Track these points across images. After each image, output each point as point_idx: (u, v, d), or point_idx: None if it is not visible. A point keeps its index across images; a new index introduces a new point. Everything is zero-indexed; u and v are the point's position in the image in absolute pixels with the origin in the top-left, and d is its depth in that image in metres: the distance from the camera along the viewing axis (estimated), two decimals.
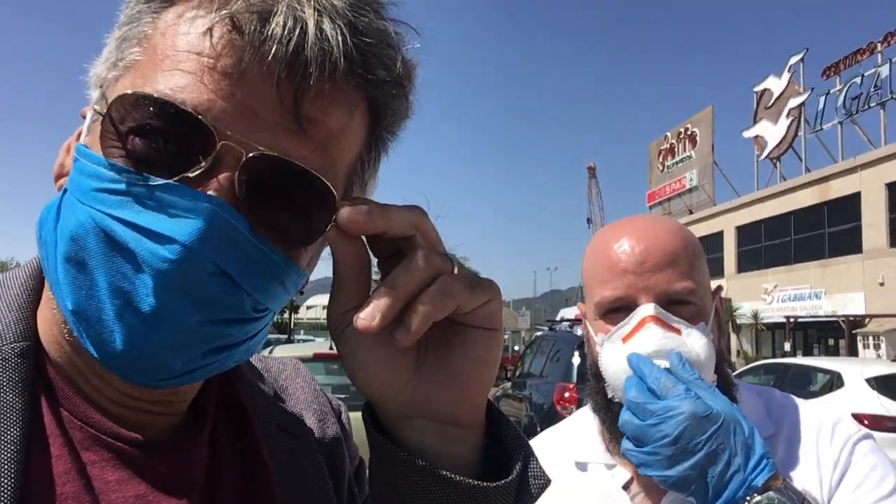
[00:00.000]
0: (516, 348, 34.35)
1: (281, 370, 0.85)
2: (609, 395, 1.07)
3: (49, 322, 0.60)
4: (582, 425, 1.20)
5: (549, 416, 7.97)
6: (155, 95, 0.52)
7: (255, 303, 0.56)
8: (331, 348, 6.84)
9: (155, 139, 0.53)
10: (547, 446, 1.27)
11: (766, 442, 1.06)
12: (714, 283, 1.10)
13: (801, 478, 1.03)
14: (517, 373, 10.88)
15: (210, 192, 0.52)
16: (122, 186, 0.52)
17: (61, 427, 0.57)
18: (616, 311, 1.04)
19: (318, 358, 6.86)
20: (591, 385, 1.12)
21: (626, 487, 1.10)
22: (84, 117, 0.59)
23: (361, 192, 0.65)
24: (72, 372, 0.59)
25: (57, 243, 0.54)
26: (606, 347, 1.04)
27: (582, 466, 1.16)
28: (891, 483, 1.00)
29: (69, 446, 0.57)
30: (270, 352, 6.90)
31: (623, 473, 1.10)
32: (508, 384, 10.96)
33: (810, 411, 1.13)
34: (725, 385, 1.07)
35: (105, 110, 0.54)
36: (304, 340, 26.61)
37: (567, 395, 7.77)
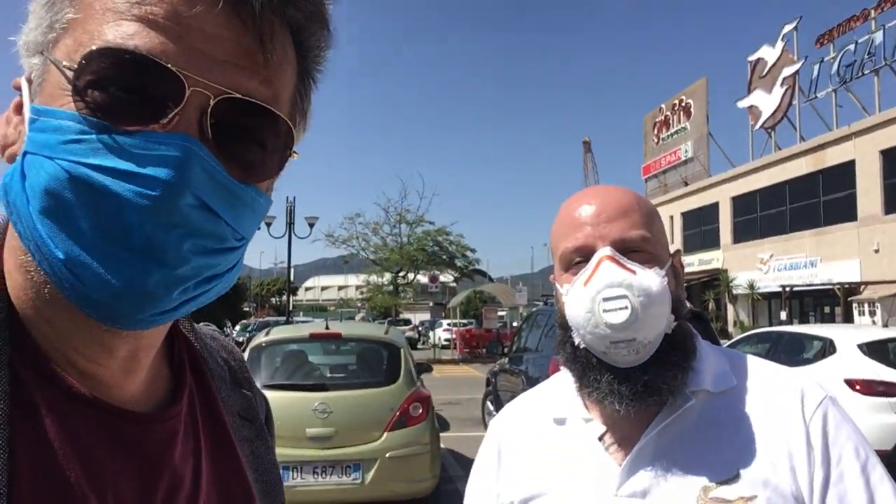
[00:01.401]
0: (514, 324, 34.48)
1: (231, 350, 0.88)
2: (576, 343, 1.12)
3: (22, 288, 0.59)
4: (561, 384, 1.24)
5: None
6: (115, 47, 0.53)
7: (234, 232, 0.60)
8: (327, 328, 6.87)
9: (120, 89, 0.54)
10: (527, 405, 1.32)
11: (727, 394, 1.11)
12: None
13: (764, 431, 1.06)
14: (514, 348, 10.91)
15: (183, 132, 0.55)
16: (93, 136, 0.53)
17: (45, 397, 0.57)
18: (578, 262, 1.12)
19: (314, 338, 6.87)
20: (560, 337, 1.18)
21: (601, 439, 1.14)
22: (18, 89, 0.60)
23: (304, 122, 0.69)
24: (52, 337, 0.59)
25: (29, 202, 0.54)
26: (570, 293, 1.11)
27: (560, 422, 1.21)
28: (864, 450, 1.04)
29: (53, 415, 0.57)
30: (267, 333, 6.90)
31: (598, 426, 1.15)
32: (506, 360, 11.01)
33: (775, 370, 1.16)
34: (683, 333, 1.12)
35: (45, 69, 0.57)
36: (303, 321, 26.58)
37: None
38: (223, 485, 0.71)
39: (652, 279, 1.06)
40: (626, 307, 1.03)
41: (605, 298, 1.05)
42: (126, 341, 0.61)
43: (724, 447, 1.06)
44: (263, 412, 0.88)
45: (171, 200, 0.53)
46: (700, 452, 1.07)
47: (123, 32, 0.54)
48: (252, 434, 0.80)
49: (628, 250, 1.09)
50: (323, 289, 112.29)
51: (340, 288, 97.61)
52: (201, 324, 0.84)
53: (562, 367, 1.22)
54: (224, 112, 0.57)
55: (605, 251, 1.08)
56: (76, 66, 0.54)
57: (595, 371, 1.10)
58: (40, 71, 0.58)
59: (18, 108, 0.60)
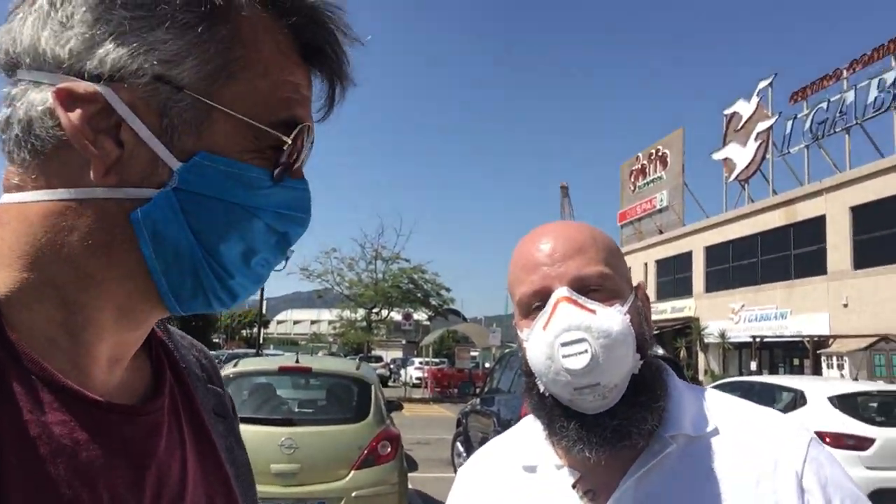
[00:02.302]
0: (486, 364, 34.33)
1: (201, 349, 0.89)
2: (541, 390, 1.07)
3: (20, 291, 0.59)
4: (530, 430, 1.18)
5: None
6: (309, 125, 0.68)
7: None
8: (297, 362, 6.76)
9: (296, 153, 0.66)
10: (495, 453, 1.26)
11: (708, 437, 1.06)
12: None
13: (748, 476, 1.02)
14: (486, 389, 10.86)
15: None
16: (271, 186, 0.64)
17: (28, 389, 0.56)
18: (537, 307, 1.07)
19: (283, 371, 6.74)
20: (525, 385, 1.12)
21: (574, 487, 1.09)
22: (79, 99, 0.57)
23: None
24: (40, 332, 0.59)
25: (198, 236, 0.62)
26: (531, 338, 1.06)
27: (531, 469, 1.15)
28: (859, 493, 1.03)
29: (39, 410, 0.56)
30: (235, 365, 6.77)
31: (571, 473, 1.10)
32: (477, 400, 10.94)
33: (754, 410, 1.13)
34: (651, 372, 1.07)
35: (208, 115, 0.62)
36: (273, 355, 26.13)
37: None
38: (207, 477, 0.73)
39: (613, 318, 1.01)
40: (586, 351, 0.98)
41: (564, 343, 0.99)
42: (151, 323, 0.69)
43: (706, 495, 1.01)
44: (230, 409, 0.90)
45: (302, 233, 0.70)
46: (681, 501, 1.02)
47: (303, 112, 0.67)
48: (225, 430, 0.82)
49: (587, 288, 1.04)
50: (295, 322, 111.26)
51: (313, 322, 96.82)
52: None
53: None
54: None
55: (561, 292, 1.03)
56: (290, 142, 0.65)
57: (562, 419, 1.05)
58: (192, 111, 0.60)
59: (91, 120, 0.58)
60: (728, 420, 1.09)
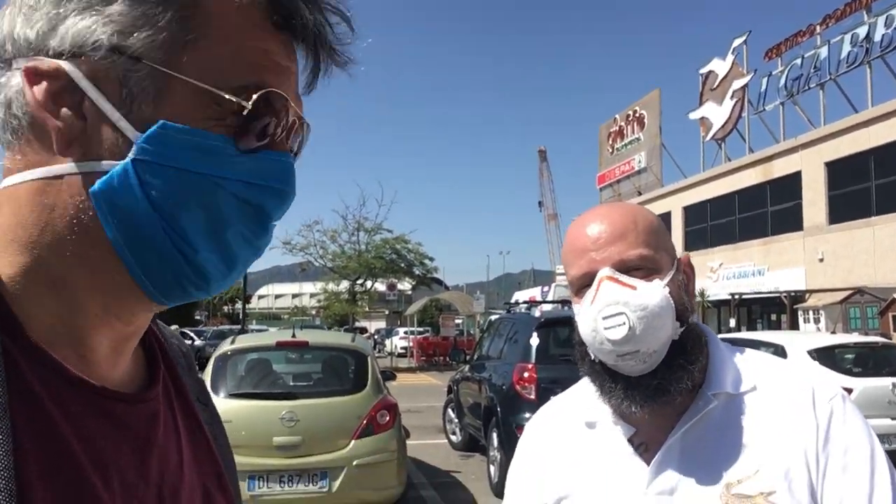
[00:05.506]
0: (471, 331, 34.60)
1: (179, 338, 0.90)
2: (591, 357, 1.22)
3: (20, 276, 0.60)
4: (588, 390, 1.31)
5: (510, 397, 8.10)
6: (278, 91, 0.64)
7: None
8: (293, 336, 6.85)
9: (267, 123, 0.64)
10: (558, 411, 1.41)
11: (746, 394, 1.20)
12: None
13: (781, 428, 1.14)
14: (475, 356, 10.96)
15: (287, 151, 0.67)
16: (235, 156, 0.63)
17: (41, 380, 0.58)
18: (585, 286, 1.21)
19: (280, 346, 6.84)
20: (579, 353, 1.27)
21: (630, 441, 1.23)
22: (42, 75, 0.59)
23: None
24: (54, 319, 0.61)
25: (157, 208, 0.60)
26: (580, 313, 1.21)
27: (591, 425, 1.29)
28: (870, 441, 1.13)
29: (51, 399, 0.58)
30: (233, 342, 6.85)
31: (627, 428, 1.24)
32: (466, 367, 11.05)
33: (789, 369, 1.25)
34: (691, 338, 1.20)
35: (166, 83, 0.61)
36: (257, 330, 26.15)
37: (526, 374, 7.89)
38: (199, 464, 0.75)
39: (651, 293, 1.14)
40: (624, 323, 1.12)
41: (605, 317, 1.14)
42: (144, 316, 0.69)
43: (744, 445, 1.15)
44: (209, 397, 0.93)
45: (285, 208, 0.67)
46: (722, 451, 1.15)
47: (275, 80, 0.64)
48: (209, 417, 0.84)
49: (628, 268, 1.17)
50: (277, 297, 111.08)
51: (295, 296, 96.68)
52: None
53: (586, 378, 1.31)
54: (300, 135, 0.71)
55: (604, 272, 1.17)
56: (250, 107, 0.62)
57: (610, 381, 1.20)
58: (149, 80, 0.60)
59: (55, 94, 0.59)
60: (765, 379, 1.22)
